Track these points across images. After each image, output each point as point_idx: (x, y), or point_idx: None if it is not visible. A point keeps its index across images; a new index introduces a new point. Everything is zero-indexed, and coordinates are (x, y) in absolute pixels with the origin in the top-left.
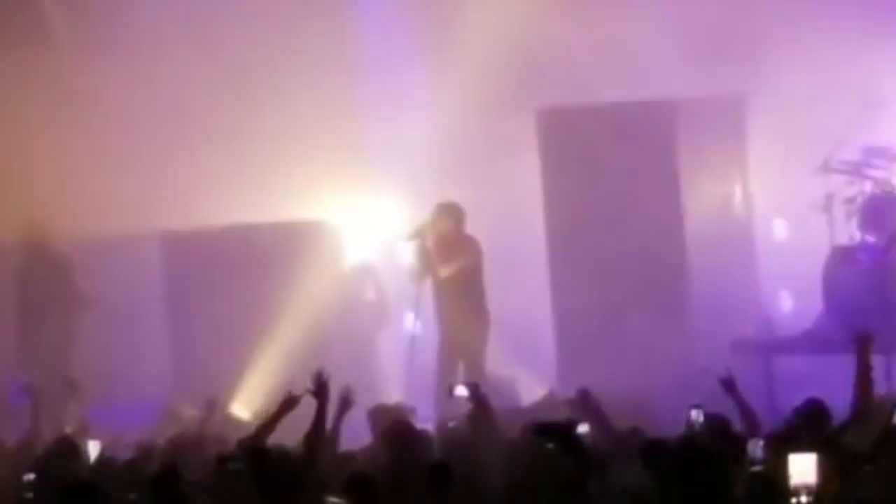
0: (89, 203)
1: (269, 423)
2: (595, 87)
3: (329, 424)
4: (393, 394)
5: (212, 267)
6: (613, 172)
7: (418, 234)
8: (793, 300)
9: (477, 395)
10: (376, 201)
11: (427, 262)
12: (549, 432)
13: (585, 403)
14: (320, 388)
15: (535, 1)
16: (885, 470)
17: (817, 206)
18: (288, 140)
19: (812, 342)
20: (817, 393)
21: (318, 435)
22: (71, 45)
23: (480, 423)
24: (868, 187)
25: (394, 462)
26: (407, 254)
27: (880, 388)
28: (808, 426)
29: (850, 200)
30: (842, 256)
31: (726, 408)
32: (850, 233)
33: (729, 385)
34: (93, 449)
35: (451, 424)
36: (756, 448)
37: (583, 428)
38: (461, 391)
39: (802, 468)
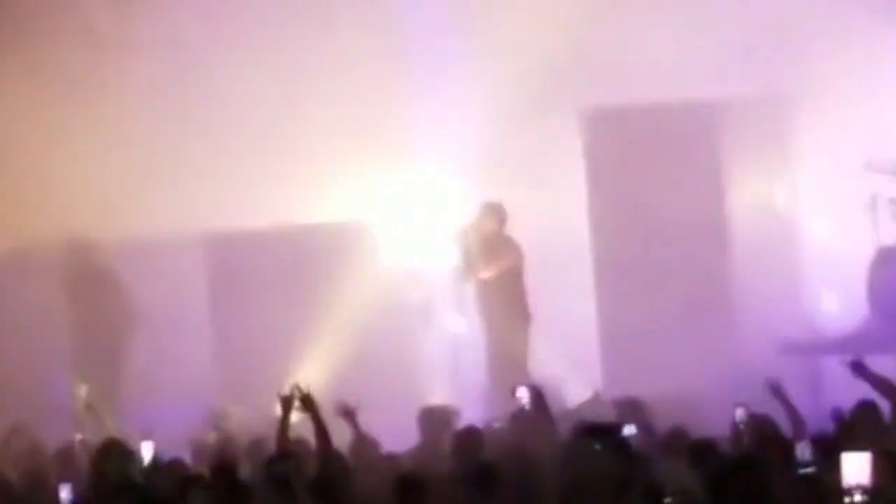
0: (134, 206)
1: (283, 429)
2: (640, 87)
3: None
4: (436, 395)
5: (256, 268)
6: (658, 172)
7: (463, 235)
8: (838, 300)
9: (537, 398)
10: (421, 202)
11: (470, 262)
12: (597, 433)
13: (633, 407)
14: (305, 400)
15: (581, 1)
16: None
17: (862, 205)
18: (333, 141)
19: (857, 342)
20: (862, 393)
21: (326, 446)
22: (117, 50)
23: (538, 424)
24: None
25: (459, 465)
26: (451, 254)
27: None
28: (862, 426)
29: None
30: (887, 257)
31: (771, 408)
32: None
33: (776, 389)
34: (146, 451)
35: (496, 426)
36: (804, 451)
37: (629, 430)
38: (522, 393)
39: (856, 467)
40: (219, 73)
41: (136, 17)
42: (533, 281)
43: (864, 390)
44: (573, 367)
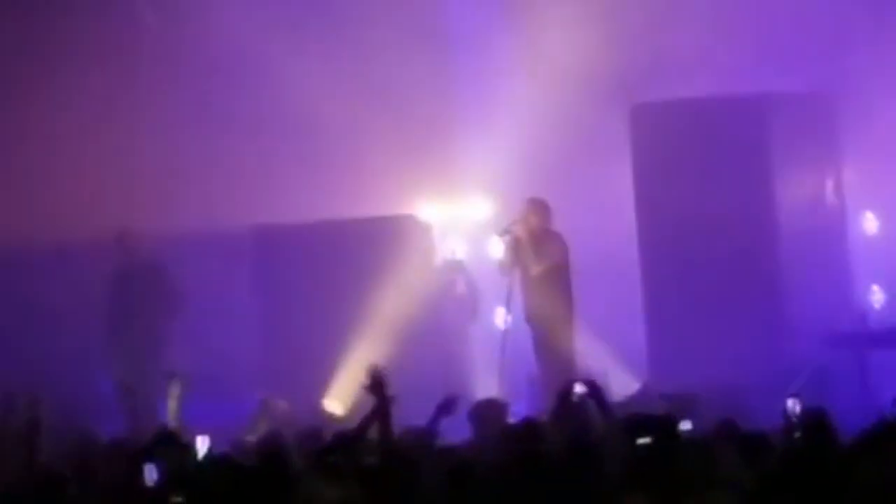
0: (182, 199)
1: (362, 427)
2: (687, 83)
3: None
4: (484, 388)
5: (302, 262)
6: (704, 167)
7: (508, 229)
8: (886, 293)
9: (596, 392)
10: (467, 196)
11: (517, 257)
12: (648, 427)
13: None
14: (375, 385)
15: None
16: None
17: None
18: (381, 136)
19: None
20: None
21: (361, 433)
22: (161, 45)
23: (595, 419)
24: None
25: (513, 458)
26: (497, 248)
27: None
28: None
29: None
30: None
31: (819, 399)
32: None
33: None
34: (201, 444)
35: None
36: None
37: (685, 425)
38: (580, 388)
39: None
40: (267, 70)
41: (184, 20)
42: (579, 275)
43: None
44: (620, 361)
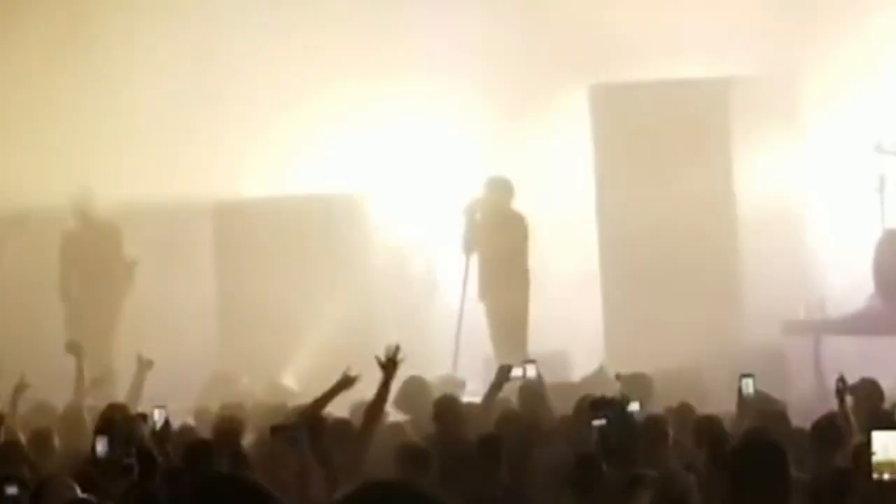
0: (142, 173)
1: (324, 399)
2: (650, 64)
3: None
4: (442, 366)
5: (262, 238)
6: (666, 149)
7: (469, 208)
8: (844, 281)
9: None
10: (428, 174)
11: (476, 236)
12: (602, 407)
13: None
14: (390, 363)
15: None
16: None
17: (870, 187)
18: (341, 112)
19: (862, 323)
20: (867, 373)
21: (380, 407)
22: (128, 16)
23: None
24: None
25: (441, 435)
26: (457, 227)
27: None
28: (861, 405)
29: None
30: (893, 238)
31: (774, 385)
32: None
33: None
34: (158, 416)
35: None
36: None
37: (634, 406)
38: (518, 372)
39: (886, 445)
40: (229, 44)
41: None
42: (539, 256)
43: (867, 369)
44: (578, 342)
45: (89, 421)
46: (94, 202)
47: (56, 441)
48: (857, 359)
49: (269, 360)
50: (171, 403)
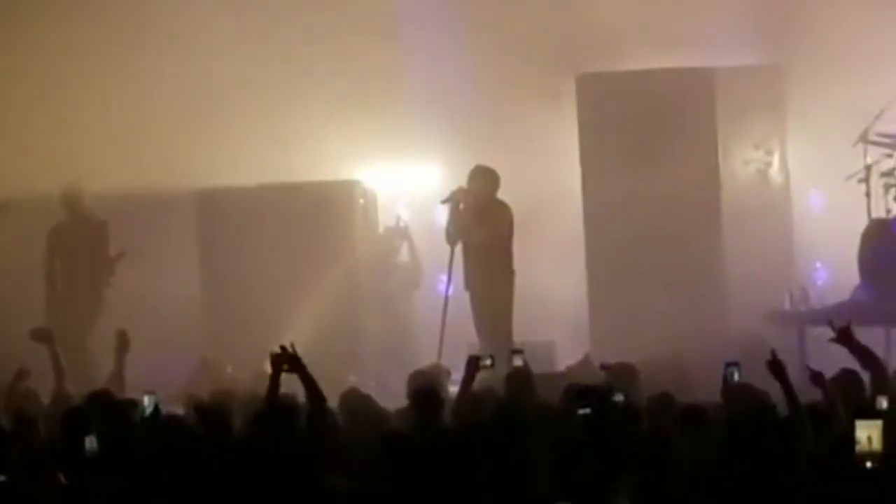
0: (127, 160)
1: (271, 385)
2: (635, 53)
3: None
4: (427, 355)
5: (246, 226)
6: (651, 139)
7: (453, 197)
8: (828, 272)
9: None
10: (412, 163)
11: (461, 225)
12: (588, 396)
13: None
14: (277, 360)
15: None
16: None
17: (855, 177)
18: (325, 100)
19: (846, 314)
20: (851, 364)
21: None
22: (110, 6)
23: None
24: None
25: (422, 425)
26: (442, 216)
27: None
28: (842, 395)
29: (889, 173)
30: (878, 229)
31: (759, 375)
32: (888, 206)
33: (778, 370)
34: (148, 402)
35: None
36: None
37: (618, 397)
38: (487, 362)
39: (869, 435)
40: (215, 31)
41: None
42: (524, 245)
43: (851, 360)
44: (564, 332)
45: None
46: (81, 192)
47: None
48: (841, 349)
49: (254, 349)
50: (158, 391)
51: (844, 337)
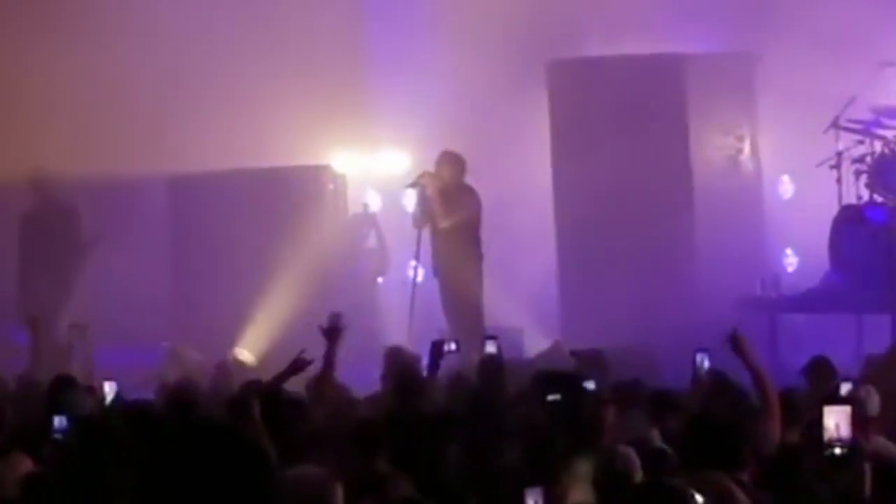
0: (99, 145)
1: (277, 380)
2: (606, 40)
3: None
4: (394, 341)
5: (217, 211)
6: (622, 126)
7: (420, 181)
8: (799, 258)
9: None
10: (381, 148)
11: (429, 210)
12: (557, 382)
13: (593, 358)
14: (333, 330)
15: None
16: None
17: (826, 164)
18: (296, 85)
19: (817, 300)
20: (821, 350)
21: (328, 376)
22: None
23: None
24: (877, 147)
25: (402, 409)
26: (409, 201)
27: (884, 346)
28: (813, 382)
29: (860, 160)
30: (849, 215)
31: (729, 361)
32: (859, 192)
33: (737, 346)
34: (109, 389)
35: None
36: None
37: (589, 384)
38: (451, 347)
39: (838, 421)
40: (184, 18)
41: None
42: (493, 230)
43: (819, 347)
44: (533, 318)
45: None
46: (50, 178)
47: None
48: (811, 336)
49: (223, 335)
50: (126, 379)
51: (735, 346)
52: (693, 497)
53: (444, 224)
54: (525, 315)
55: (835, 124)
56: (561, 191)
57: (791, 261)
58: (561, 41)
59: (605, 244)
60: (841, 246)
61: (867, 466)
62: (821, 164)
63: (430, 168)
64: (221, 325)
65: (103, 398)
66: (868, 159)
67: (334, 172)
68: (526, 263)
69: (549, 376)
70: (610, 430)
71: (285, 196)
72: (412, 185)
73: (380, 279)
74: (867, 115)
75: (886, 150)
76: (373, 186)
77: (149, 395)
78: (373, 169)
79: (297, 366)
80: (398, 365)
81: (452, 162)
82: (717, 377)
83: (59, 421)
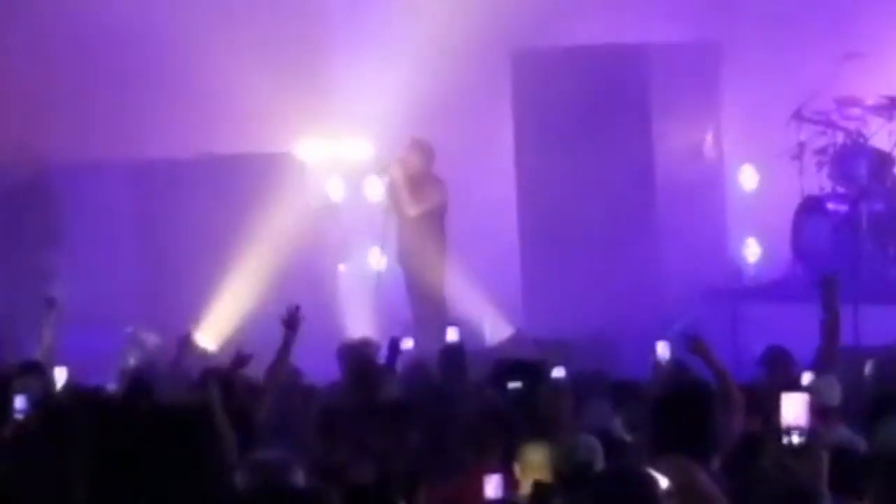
0: (61, 131)
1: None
2: (569, 30)
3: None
4: (358, 330)
5: (179, 198)
6: (585, 116)
7: (388, 170)
8: (761, 248)
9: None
10: (345, 136)
11: (394, 199)
12: (518, 371)
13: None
14: (291, 320)
15: None
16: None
17: (788, 154)
18: (259, 73)
19: (779, 290)
20: (783, 340)
21: (281, 365)
22: None
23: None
24: (839, 138)
25: (358, 399)
26: (374, 189)
27: (847, 339)
28: (771, 372)
29: (822, 151)
30: (811, 206)
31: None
32: (821, 183)
33: (699, 350)
34: (59, 375)
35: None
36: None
37: (559, 371)
38: (408, 344)
39: (795, 409)
40: (146, 5)
41: None
42: (457, 220)
43: (782, 337)
44: (495, 306)
45: None
46: (16, 160)
47: None
48: (772, 326)
49: (185, 321)
50: (89, 363)
51: (697, 350)
52: (656, 482)
53: (411, 212)
54: (487, 304)
55: (797, 115)
56: (524, 180)
57: (753, 251)
58: (525, 30)
59: (567, 234)
60: (803, 236)
61: (824, 454)
62: (783, 154)
63: (397, 156)
64: (184, 311)
65: (53, 383)
66: (830, 150)
67: (296, 159)
68: (489, 252)
69: (510, 365)
70: (571, 419)
71: (248, 183)
72: (381, 173)
73: (342, 267)
74: (830, 106)
75: (848, 141)
76: (336, 173)
77: (109, 379)
78: (336, 156)
79: (240, 362)
80: (354, 359)
81: (421, 150)
82: (678, 367)
83: (20, 401)
